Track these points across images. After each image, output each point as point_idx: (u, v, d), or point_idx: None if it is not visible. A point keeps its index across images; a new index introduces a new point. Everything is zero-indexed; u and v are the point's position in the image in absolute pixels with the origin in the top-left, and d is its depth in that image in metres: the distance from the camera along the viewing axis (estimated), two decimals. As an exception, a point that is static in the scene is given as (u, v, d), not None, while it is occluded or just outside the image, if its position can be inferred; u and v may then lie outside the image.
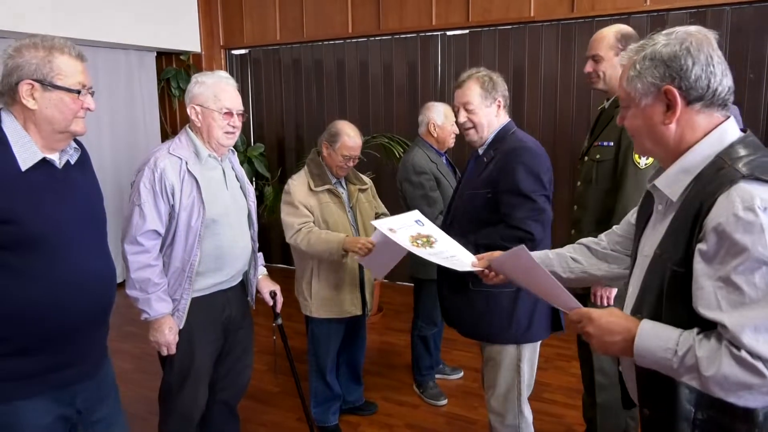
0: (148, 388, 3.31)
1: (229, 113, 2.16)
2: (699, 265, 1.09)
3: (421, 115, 3.27)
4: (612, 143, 2.39)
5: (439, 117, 3.20)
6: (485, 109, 2.18)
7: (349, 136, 2.67)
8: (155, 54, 5.57)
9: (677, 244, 1.15)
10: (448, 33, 4.87)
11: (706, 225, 1.08)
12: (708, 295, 1.07)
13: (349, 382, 3.06)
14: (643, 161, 2.30)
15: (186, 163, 2.11)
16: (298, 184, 2.66)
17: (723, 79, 1.16)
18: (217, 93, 2.15)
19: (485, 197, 2.12)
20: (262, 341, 2.57)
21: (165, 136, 5.72)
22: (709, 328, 1.09)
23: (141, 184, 2.06)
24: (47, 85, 1.52)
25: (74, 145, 1.68)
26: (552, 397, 3.27)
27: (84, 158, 1.74)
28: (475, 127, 2.20)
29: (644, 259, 1.29)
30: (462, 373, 3.55)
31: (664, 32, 1.21)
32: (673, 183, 1.21)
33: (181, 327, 2.14)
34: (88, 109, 1.61)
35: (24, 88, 1.50)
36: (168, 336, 2.09)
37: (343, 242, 2.50)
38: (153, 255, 2.07)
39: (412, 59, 5.06)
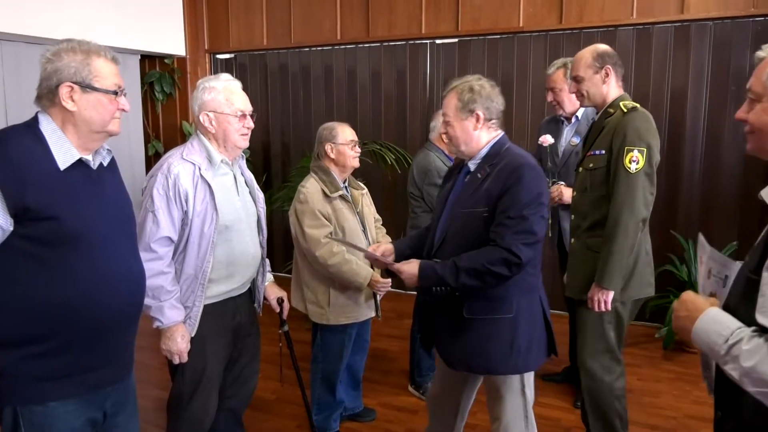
0: (144, 397, 3.20)
1: (243, 115, 2.17)
2: (765, 273, 1.09)
3: (433, 121, 3.36)
4: (604, 151, 2.47)
5: None
6: (461, 122, 2.07)
7: (343, 124, 2.78)
8: (139, 57, 5.47)
9: (756, 251, 1.17)
10: (437, 41, 4.91)
11: None
12: (766, 302, 1.08)
13: (348, 389, 3.05)
14: (634, 166, 2.38)
15: (199, 168, 2.10)
16: (314, 191, 2.61)
17: None
18: (228, 97, 2.16)
19: (481, 217, 1.99)
20: (262, 348, 2.54)
21: (148, 140, 5.62)
22: None
23: (154, 190, 2.03)
24: (86, 87, 1.56)
25: (107, 147, 1.72)
26: (546, 400, 3.31)
27: (113, 162, 1.77)
28: (451, 140, 2.13)
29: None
30: (458, 379, 3.56)
31: None
32: None
33: (193, 335, 2.11)
34: (123, 109, 1.65)
35: (64, 91, 1.54)
36: (180, 344, 2.07)
37: (370, 279, 2.65)
38: (166, 262, 2.05)
39: (400, 67, 5.08)
